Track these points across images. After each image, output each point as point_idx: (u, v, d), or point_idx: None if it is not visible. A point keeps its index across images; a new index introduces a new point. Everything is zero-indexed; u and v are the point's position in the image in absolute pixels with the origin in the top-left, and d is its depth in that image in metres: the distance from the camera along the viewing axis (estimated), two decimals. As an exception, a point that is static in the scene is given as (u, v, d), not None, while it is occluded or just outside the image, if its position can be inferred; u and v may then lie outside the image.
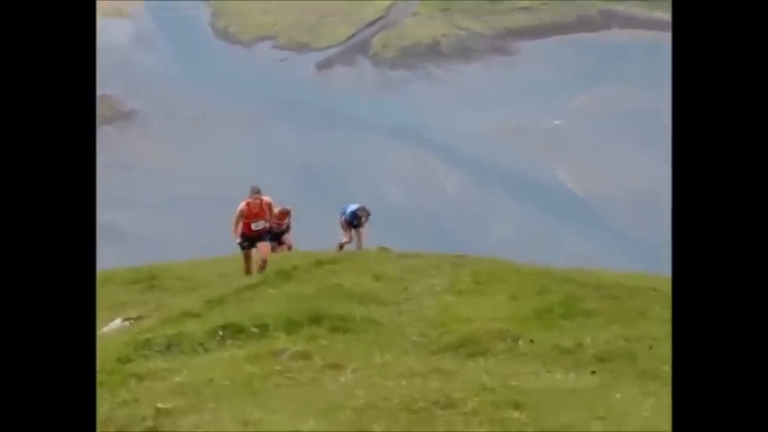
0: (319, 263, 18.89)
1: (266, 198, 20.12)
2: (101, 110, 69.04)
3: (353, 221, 25.63)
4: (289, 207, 25.33)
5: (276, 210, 21.81)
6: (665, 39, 71.28)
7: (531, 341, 11.24)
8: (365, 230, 25.85)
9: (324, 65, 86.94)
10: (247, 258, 20.13)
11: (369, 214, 25.99)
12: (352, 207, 25.91)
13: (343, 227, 25.80)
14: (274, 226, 21.56)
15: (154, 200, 68.07)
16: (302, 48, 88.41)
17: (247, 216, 19.77)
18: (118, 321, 15.40)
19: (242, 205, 19.87)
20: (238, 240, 19.94)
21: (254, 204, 19.78)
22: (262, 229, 19.96)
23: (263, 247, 20.01)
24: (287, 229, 25.28)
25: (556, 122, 77.21)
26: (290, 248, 25.00)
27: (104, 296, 16.11)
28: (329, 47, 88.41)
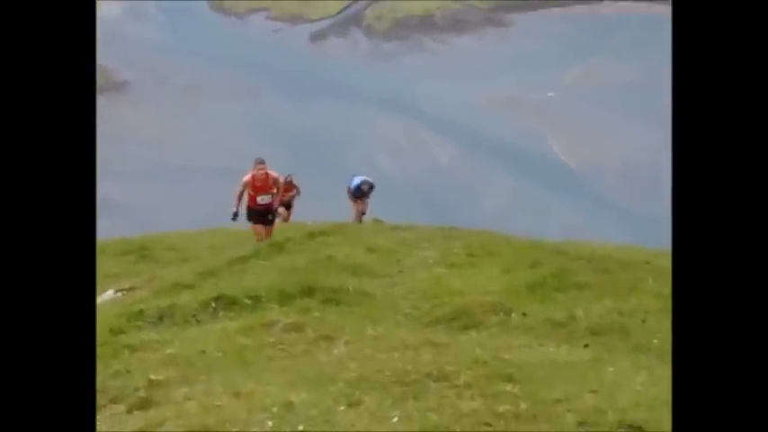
0: (312, 235, 18.84)
1: (273, 173, 19.74)
2: (93, 80, 68.95)
3: (357, 194, 25.66)
4: (290, 178, 25.20)
5: (281, 179, 21.49)
6: (657, 11, 71.20)
7: (524, 314, 11.23)
8: (365, 204, 25.81)
9: (317, 36, 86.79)
10: (259, 230, 19.90)
11: (372, 187, 25.77)
12: (357, 180, 25.84)
13: (350, 199, 25.89)
14: (282, 198, 21.34)
15: (145, 171, 67.96)
16: (295, 19, 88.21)
17: (252, 189, 19.40)
18: (110, 292, 15.38)
19: (247, 177, 19.45)
20: (234, 209, 19.51)
21: (259, 177, 19.34)
22: (268, 203, 19.70)
23: (257, 228, 19.87)
24: (292, 199, 25.29)
25: (549, 95, 77.16)
26: (286, 220, 24.97)
27: (97, 267, 16.07)
28: (322, 18, 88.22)
